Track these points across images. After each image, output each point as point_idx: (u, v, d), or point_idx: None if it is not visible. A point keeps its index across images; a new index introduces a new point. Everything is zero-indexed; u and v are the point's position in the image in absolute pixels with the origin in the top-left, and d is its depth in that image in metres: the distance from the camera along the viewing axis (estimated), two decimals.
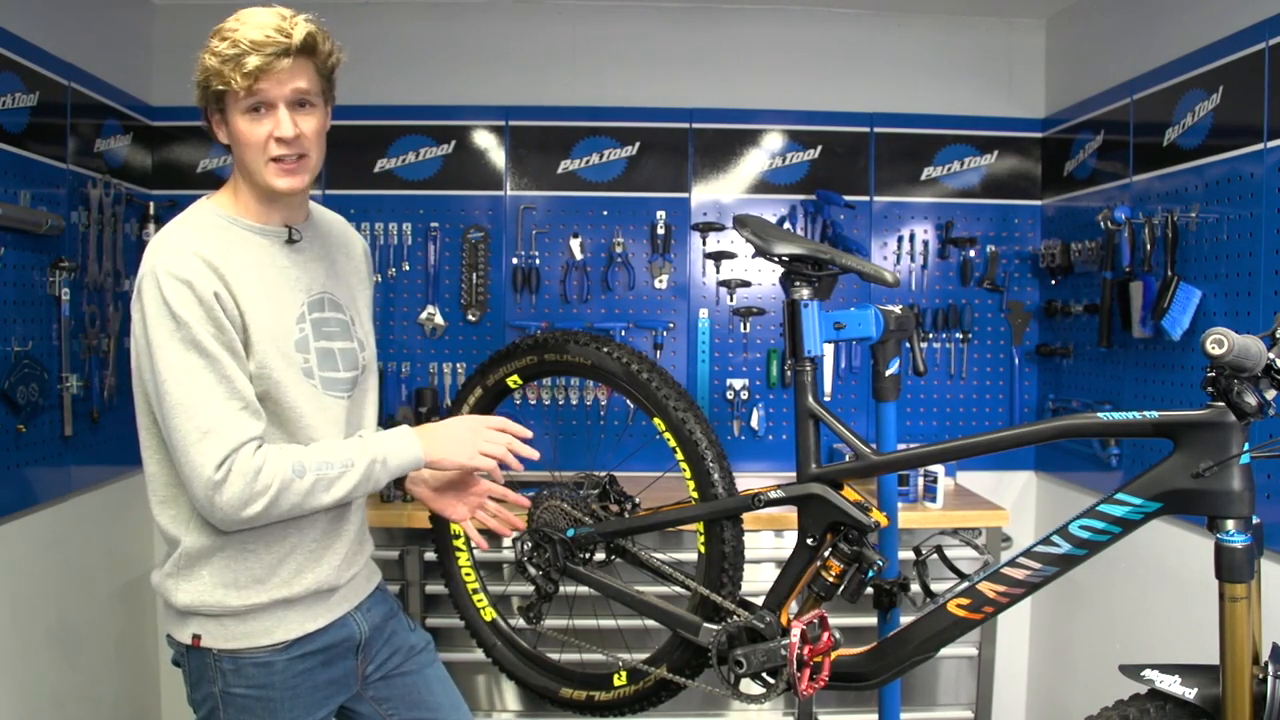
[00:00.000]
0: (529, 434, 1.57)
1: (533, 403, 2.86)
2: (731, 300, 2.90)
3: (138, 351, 1.34)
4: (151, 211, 2.72)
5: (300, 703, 1.44)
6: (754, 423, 2.90)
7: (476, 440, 1.51)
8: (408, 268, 2.84)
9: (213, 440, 1.27)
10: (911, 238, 2.93)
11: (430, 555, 2.26)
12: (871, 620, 1.72)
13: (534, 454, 1.56)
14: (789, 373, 1.68)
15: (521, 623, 1.93)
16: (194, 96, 1.37)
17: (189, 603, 1.39)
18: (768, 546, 2.42)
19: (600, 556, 1.85)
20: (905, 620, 1.56)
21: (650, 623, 1.76)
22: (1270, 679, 1.23)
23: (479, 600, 2.04)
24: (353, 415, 1.50)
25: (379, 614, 1.58)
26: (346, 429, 1.47)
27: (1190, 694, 1.27)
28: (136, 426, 1.40)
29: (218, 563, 1.39)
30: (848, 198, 2.84)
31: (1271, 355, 1.21)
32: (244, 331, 1.34)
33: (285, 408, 1.38)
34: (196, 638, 1.40)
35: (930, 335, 2.92)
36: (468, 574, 2.04)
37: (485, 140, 2.88)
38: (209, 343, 1.29)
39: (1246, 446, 1.23)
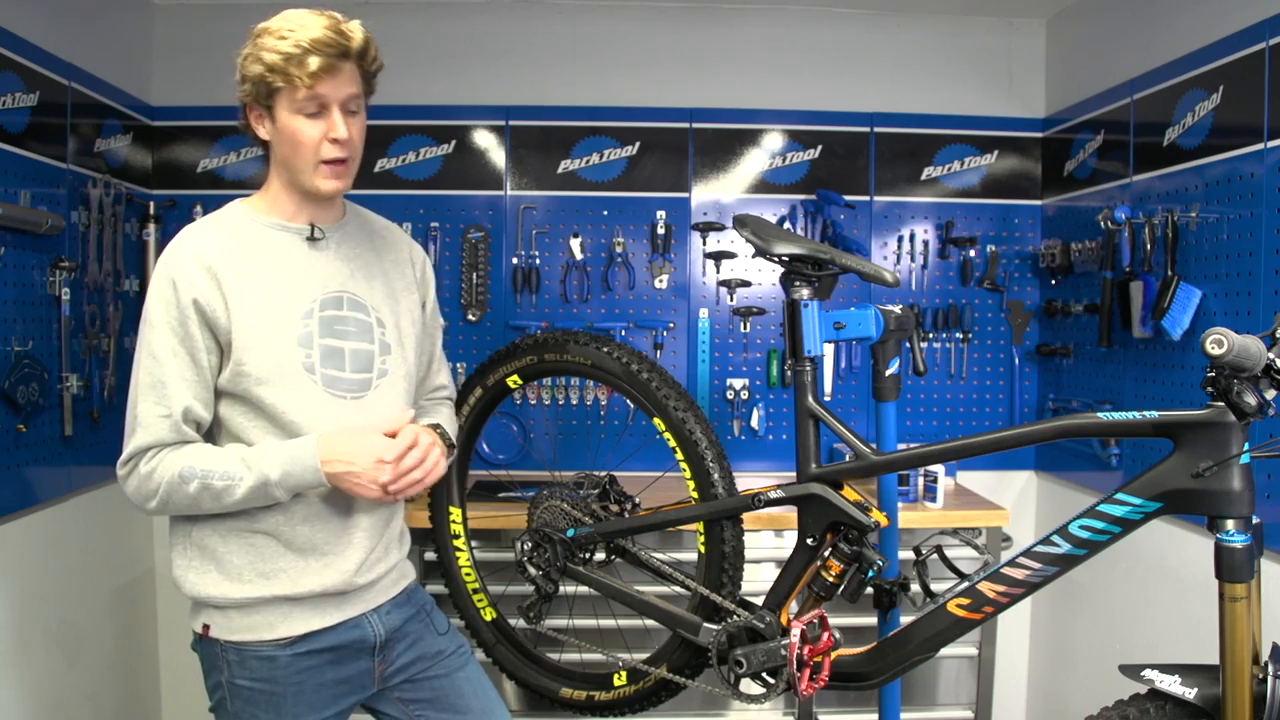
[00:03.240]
0: (435, 463, 1.43)
1: (533, 403, 2.86)
2: (731, 300, 2.90)
3: None
4: (151, 211, 2.71)
5: (306, 700, 1.45)
6: (754, 423, 2.90)
7: (378, 475, 1.37)
8: None
9: (131, 438, 1.37)
10: (911, 238, 2.93)
11: (430, 555, 2.26)
12: (871, 620, 1.72)
13: (439, 470, 1.45)
14: (789, 373, 1.69)
15: (522, 622, 1.93)
16: (238, 92, 1.42)
17: (198, 594, 1.43)
18: (768, 546, 2.42)
19: (600, 556, 1.85)
20: (905, 620, 1.56)
21: (650, 623, 1.77)
22: (1270, 679, 1.23)
23: (479, 600, 2.04)
24: (362, 417, 1.46)
25: (399, 617, 1.56)
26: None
27: (1190, 694, 1.27)
28: None
29: (223, 556, 1.42)
30: (848, 198, 2.84)
31: (1271, 355, 1.21)
32: (228, 333, 1.37)
33: (268, 404, 1.39)
34: (206, 627, 1.43)
35: (930, 335, 2.92)
36: (468, 574, 2.04)
37: (485, 140, 2.89)
38: (161, 346, 1.36)
39: (1246, 446, 1.23)
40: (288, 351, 1.40)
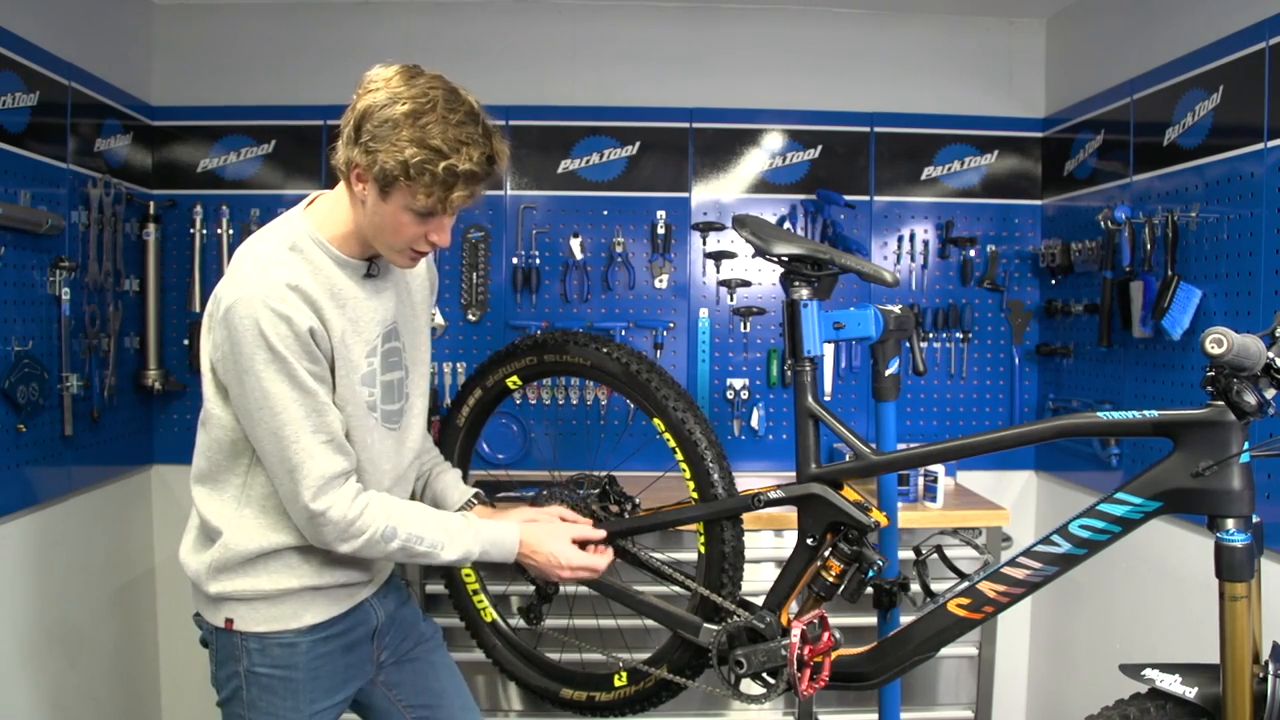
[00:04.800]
0: (601, 534, 1.68)
1: (533, 403, 2.86)
2: (731, 300, 2.90)
3: (224, 365, 1.34)
4: (151, 211, 2.72)
5: (321, 685, 1.47)
6: (754, 422, 2.90)
7: (564, 568, 1.59)
8: None
9: (301, 475, 1.33)
10: (911, 237, 2.92)
11: None
12: (872, 620, 1.72)
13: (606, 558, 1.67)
14: (789, 373, 1.68)
15: (522, 623, 1.93)
16: (351, 148, 1.29)
17: (222, 590, 1.43)
18: (768, 546, 2.42)
19: None
20: (905, 620, 1.56)
21: (650, 623, 1.77)
22: (1271, 678, 1.23)
23: (479, 601, 2.03)
24: (396, 443, 1.51)
25: (393, 602, 1.63)
26: (389, 456, 1.49)
27: (1191, 693, 1.27)
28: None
29: (258, 563, 1.42)
30: (848, 197, 2.84)
31: (1271, 354, 1.21)
32: (331, 363, 1.37)
33: (353, 441, 1.41)
34: (229, 621, 1.44)
35: (930, 335, 2.92)
36: (468, 574, 2.04)
37: None
38: (304, 377, 1.32)
39: (1246, 446, 1.23)
40: (358, 390, 1.42)
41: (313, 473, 1.33)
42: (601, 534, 1.67)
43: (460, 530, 1.47)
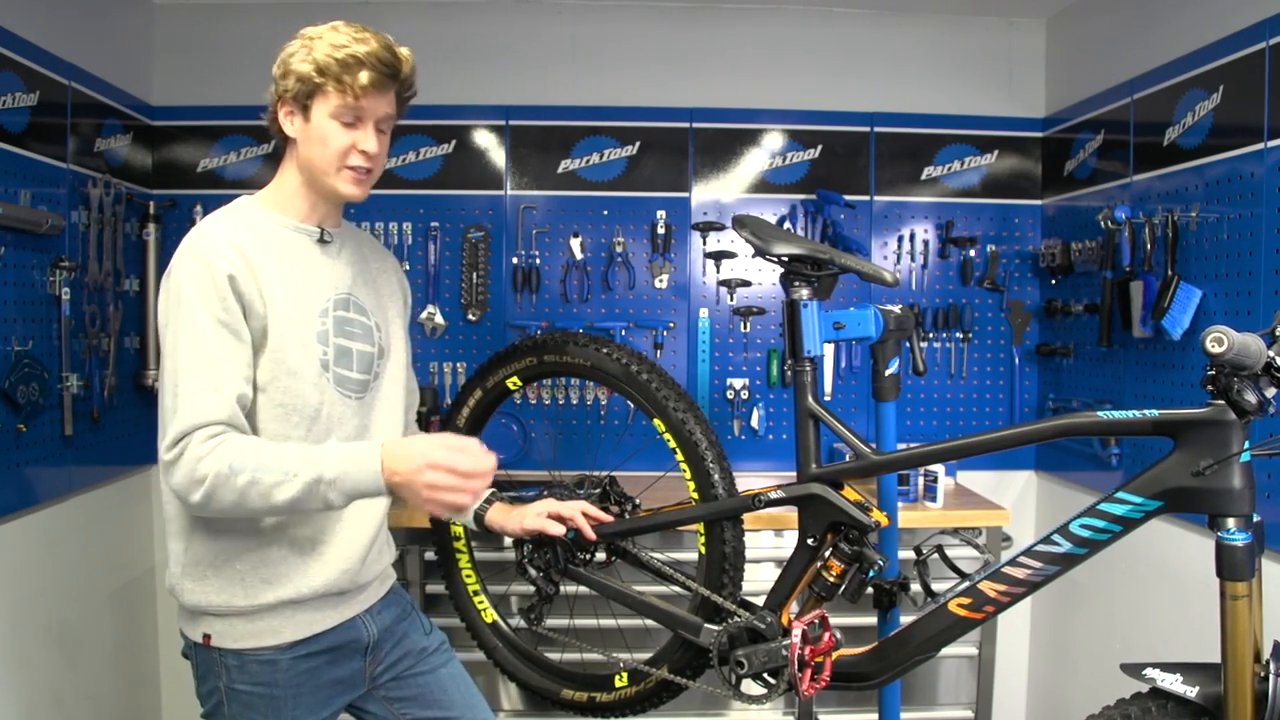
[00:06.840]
0: (491, 466, 1.33)
1: (533, 402, 2.86)
2: (732, 300, 2.90)
3: (159, 329, 1.38)
4: (151, 211, 2.71)
5: (304, 702, 1.45)
6: (754, 422, 2.90)
7: (427, 487, 1.29)
8: (408, 267, 2.83)
9: (175, 420, 1.29)
10: (911, 237, 2.92)
11: (430, 555, 2.26)
12: (872, 620, 1.72)
13: (485, 482, 1.33)
14: (789, 373, 1.68)
15: (522, 623, 1.93)
16: (274, 86, 1.42)
17: (197, 603, 1.41)
18: (768, 546, 2.42)
19: (601, 557, 1.85)
20: (906, 620, 1.56)
21: (651, 623, 1.77)
22: (1272, 677, 1.23)
23: (479, 602, 2.03)
24: (361, 418, 1.50)
25: (389, 616, 1.59)
26: (353, 430, 1.48)
27: (1192, 692, 1.27)
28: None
29: (224, 567, 1.41)
30: (848, 197, 2.84)
31: (1271, 353, 1.21)
32: (263, 318, 1.37)
33: (293, 395, 1.39)
34: (207, 637, 1.42)
35: (930, 335, 2.92)
36: (468, 575, 2.04)
37: (485, 140, 2.88)
38: (204, 322, 1.32)
39: (1247, 444, 1.23)
40: (310, 347, 1.42)
41: (185, 418, 1.27)
42: (487, 455, 1.32)
43: (314, 455, 1.30)
